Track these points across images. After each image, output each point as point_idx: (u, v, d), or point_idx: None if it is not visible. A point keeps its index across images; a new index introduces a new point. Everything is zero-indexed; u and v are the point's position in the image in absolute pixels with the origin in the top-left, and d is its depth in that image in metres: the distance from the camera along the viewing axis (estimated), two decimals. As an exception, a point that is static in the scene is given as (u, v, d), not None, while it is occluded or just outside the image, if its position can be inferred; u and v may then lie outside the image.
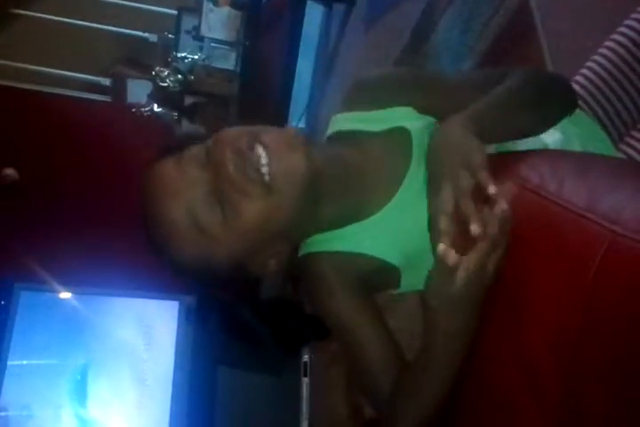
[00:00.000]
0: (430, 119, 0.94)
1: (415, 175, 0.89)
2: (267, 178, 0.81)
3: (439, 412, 0.80)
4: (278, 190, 0.82)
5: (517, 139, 0.88)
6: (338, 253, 0.91)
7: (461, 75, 1.01)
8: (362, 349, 0.87)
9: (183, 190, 0.83)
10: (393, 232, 0.90)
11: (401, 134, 0.92)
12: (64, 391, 2.62)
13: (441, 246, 0.67)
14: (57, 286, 2.61)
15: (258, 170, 0.81)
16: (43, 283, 2.59)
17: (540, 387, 0.67)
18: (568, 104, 0.93)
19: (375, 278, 0.92)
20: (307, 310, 0.96)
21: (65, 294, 2.74)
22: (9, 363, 2.57)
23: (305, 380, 2.57)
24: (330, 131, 0.98)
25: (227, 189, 0.81)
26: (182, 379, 2.64)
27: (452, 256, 0.67)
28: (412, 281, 0.90)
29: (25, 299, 2.62)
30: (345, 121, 0.97)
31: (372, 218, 0.90)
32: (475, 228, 0.67)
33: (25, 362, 2.62)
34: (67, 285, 2.67)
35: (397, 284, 0.92)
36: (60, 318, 2.74)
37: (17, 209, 2.90)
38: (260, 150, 0.82)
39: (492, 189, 0.68)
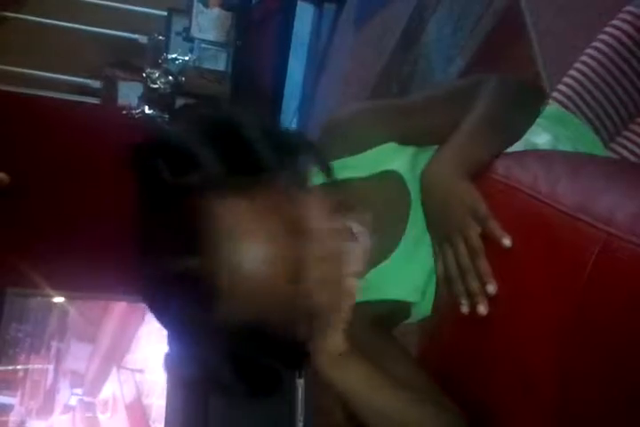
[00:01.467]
0: (414, 149, 0.91)
1: (417, 211, 0.86)
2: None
3: None
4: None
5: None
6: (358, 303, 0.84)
7: (432, 93, 0.97)
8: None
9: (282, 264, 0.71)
10: (408, 271, 0.88)
11: (391, 176, 0.88)
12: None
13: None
14: (49, 291, 2.60)
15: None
16: (35, 288, 2.58)
17: (534, 392, 0.66)
18: (539, 105, 0.92)
19: (391, 317, 0.91)
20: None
21: (58, 299, 2.73)
22: (0, 368, 2.56)
23: (300, 382, 2.56)
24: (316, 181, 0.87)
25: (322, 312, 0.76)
26: (176, 378, 2.63)
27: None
28: (422, 310, 0.90)
29: (16, 304, 2.61)
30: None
31: (387, 263, 0.88)
32: (492, 288, 0.72)
33: (19, 367, 2.61)
34: (59, 290, 2.66)
35: (408, 314, 0.92)
36: (53, 322, 2.73)
37: (8, 213, 2.88)
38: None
39: (507, 242, 0.71)
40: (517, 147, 0.89)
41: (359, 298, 0.78)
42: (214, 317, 0.69)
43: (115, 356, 2.79)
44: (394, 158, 0.89)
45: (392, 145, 0.89)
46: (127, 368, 2.79)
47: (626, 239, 0.59)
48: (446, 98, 0.92)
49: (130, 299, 2.73)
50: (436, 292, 0.84)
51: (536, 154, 0.85)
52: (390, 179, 0.88)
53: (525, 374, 0.67)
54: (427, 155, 0.87)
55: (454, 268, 0.77)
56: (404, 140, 0.90)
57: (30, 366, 2.66)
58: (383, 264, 0.88)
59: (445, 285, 0.79)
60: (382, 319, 0.89)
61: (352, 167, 0.89)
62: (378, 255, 0.88)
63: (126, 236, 0.90)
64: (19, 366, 2.63)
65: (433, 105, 0.91)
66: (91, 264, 2.71)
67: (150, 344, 2.80)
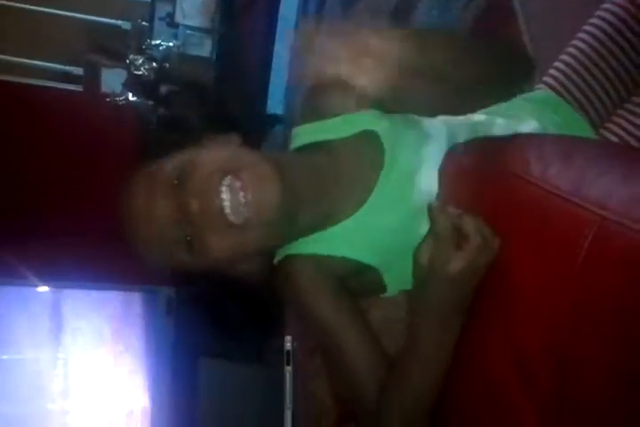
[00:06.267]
0: (397, 118, 0.92)
1: (388, 176, 0.89)
2: (239, 219, 0.82)
3: (429, 408, 0.79)
4: (251, 227, 0.83)
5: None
6: (314, 255, 0.91)
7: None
8: (343, 352, 0.86)
9: (152, 215, 0.84)
10: (367, 234, 0.90)
11: (369, 137, 0.92)
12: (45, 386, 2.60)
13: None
14: (35, 281, 2.58)
15: (229, 213, 0.82)
16: (20, 278, 2.56)
17: (532, 381, 0.65)
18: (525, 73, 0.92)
19: (356, 281, 0.92)
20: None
21: (43, 288, 2.71)
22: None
23: (288, 369, 2.56)
24: (294, 145, 0.98)
25: (195, 225, 0.82)
26: (164, 370, 2.63)
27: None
28: (397, 282, 0.91)
29: (2, 294, 2.59)
30: (306, 134, 0.96)
31: (346, 221, 0.91)
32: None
33: (5, 357, 2.60)
34: (45, 279, 2.64)
35: (383, 287, 0.92)
36: (39, 311, 2.72)
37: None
38: (233, 192, 0.82)
39: None
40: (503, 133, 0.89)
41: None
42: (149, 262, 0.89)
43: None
44: (374, 121, 0.92)
45: (376, 111, 0.93)
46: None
47: (621, 223, 0.58)
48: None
49: (120, 287, 2.72)
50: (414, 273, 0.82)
51: (527, 137, 0.84)
52: (368, 140, 0.92)
53: (522, 361, 0.66)
54: (405, 121, 0.91)
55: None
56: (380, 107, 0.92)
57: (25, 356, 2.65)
58: (343, 222, 0.91)
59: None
60: (347, 281, 0.91)
61: (330, 129, 0.93)
62: (340, 212, 0.91)
63: (115, 223, 0.90)
64: (5, 356, 2.61)
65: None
66: (80, 254, 2.68)
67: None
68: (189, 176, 0.83)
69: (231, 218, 0.82)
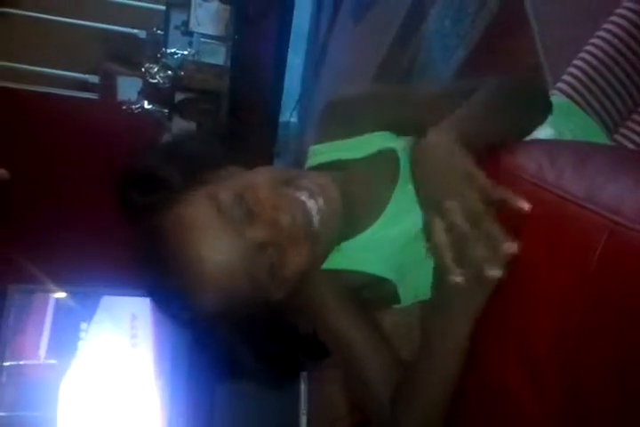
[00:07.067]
0: (409, 138, 0.93)
1: (402, 190, 0.90)
2: (316, 225, 0.83)
3: (443, 410, 0.79)
4: (324, 235, 0.84)
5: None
6: (329, 269, 0.91)
7: (434, 87, 0.99)
8: (358, 363, 0.87)
9: (229, 243, 0.79)
10: (382, 247, 0.91)
11: (386, 155, 0.92)
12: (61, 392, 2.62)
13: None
14: (51, 287, 2.60)
15: (311, 221, 0.82)
16: (36, 284, 2.58)
17: (542, 384, 0.66)
18: (543, 109, 0.90)
19: (370, 292, 0.93)
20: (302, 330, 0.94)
21: (60, 295, 2.73)
22: (4, 364, 2.56)
23: (303, 374, 2.57)
24: (311, 163, 0.98)
25: (279, 243, 0.80)
26: (180, 376, 2.64)
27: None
28: (411, 293, 0.91)
29: (19, 300, 2.61)
30: (324, 153, 0.96)
31: (361, 235, 0.91)
32: (513, 247, 0.64)
33: (22, 362, 2.61)
34: (62, 285, 2.66)
35: (397, 298, 0.93)
36: (55, 317, 2.73)
37: (7, 210, 2.88)
38: (311, 202, 0.83)
39: (524, 206, 0.65)
40: None
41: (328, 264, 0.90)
42: (197, 311, 0.83)
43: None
44: (391, 140, 0.93)
45: (388, 133, 0.93)
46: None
47: (633, 228, 0.59)
48: (445, 95, 0.93)
49: (129, 293, 2.73)
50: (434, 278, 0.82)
51: (540, 142, 0.84)
52: (385, 157, 0.92)
53: (533, 370, 0.66)
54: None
55: (443, 236, 0.68)
56: (396, 130, 0.93)
57: (36, 362, 2.66)
58: (358, 236, 0.91)
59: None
60: (361, 293, 0.92)
61: (347, 150, 0.93)
62: (355, 227, 0.91)
63: (126, 230, 0.91)
64: (22, 362, 2.63)
65: (429, 100, 0.92)
66: (92, 259, 2.70)
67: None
68: (256, 198, 0.81)
69: (316, 224, 0.82)
